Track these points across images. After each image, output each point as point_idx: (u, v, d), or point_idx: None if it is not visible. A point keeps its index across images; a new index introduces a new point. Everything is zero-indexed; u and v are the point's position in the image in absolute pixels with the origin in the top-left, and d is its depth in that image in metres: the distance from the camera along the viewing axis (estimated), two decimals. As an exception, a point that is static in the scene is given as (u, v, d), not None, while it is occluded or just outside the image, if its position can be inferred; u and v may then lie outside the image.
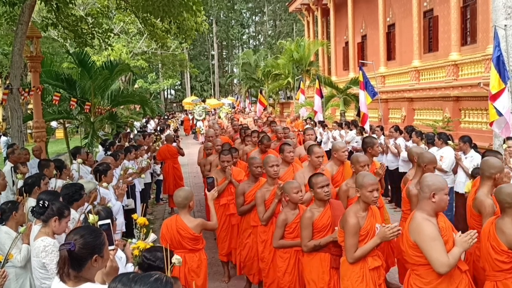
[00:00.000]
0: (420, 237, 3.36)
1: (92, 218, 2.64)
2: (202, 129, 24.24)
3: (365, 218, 3.94)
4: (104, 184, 6.01)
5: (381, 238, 3.83)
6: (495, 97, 7.67)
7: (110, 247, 2.67)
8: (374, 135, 11.07)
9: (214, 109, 33.09)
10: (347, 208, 4.50)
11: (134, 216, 3.61)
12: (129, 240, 3.55)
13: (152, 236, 3.33)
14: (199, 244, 4.62)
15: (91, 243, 2.59)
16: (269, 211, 5.06)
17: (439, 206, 3.44)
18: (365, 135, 11.54)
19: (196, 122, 29.35)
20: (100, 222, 2.69)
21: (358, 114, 12.23)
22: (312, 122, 15.96)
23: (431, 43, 17.33)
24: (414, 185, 4.87)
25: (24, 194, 5.05)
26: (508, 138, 7.19)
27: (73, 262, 2.54)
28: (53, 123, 19.04)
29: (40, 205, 3.87)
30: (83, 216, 4.34)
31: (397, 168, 9.60)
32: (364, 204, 3.97)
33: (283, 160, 6.09)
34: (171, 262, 2.80)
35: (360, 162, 5.13)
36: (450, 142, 8.04)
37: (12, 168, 7.01)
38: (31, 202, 4.80)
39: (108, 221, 2.73)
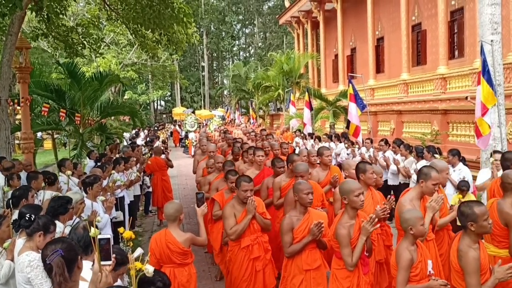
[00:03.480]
0: None
1: (93, 231, 2.63)
2: (194, 141, 23.86)
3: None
4: (101, 197, 6.00)
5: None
6: (485, 112, 7.68)
7: (108, 262, 2.66)
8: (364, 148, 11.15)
9: (206, 120, 32.91)
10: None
11: (121, 229, 3.56)
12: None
13: (139, 251, 3.27)
14: (188, 258, 4.58)
15: (72, 246, 2.74)
16: (357, 251, 4.04)
17: None
18: (356, 146, 11.59)
19: (187, 134, 28.79)
20: (99, 237, 2.68)
21: (347, 127, 12.27)
22: (302, 135, 16.01)
23: (419, 56, 17.53)
24: None
25: (10, 207, 4.99)
26: (495, 152, 7.26)
27: (66, 267, 2.64)
28: (38, 134, 18.88)
29: (27, 218, 3.83)
30: (68, 229, 4.31)
31: (386, 181, 9.64)
32: None
33: (363, 184, 4.95)
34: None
35: None
36: (436, 155, 8.10)
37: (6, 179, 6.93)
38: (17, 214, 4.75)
39: (108, 236, 2.71)
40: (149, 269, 2.97)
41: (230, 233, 5.00)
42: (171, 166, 11.49)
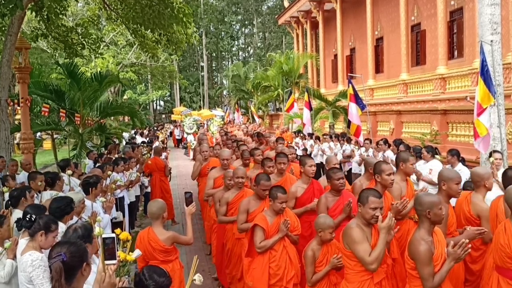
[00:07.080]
0: None
1: (98, 230, 2.63)
2: (193, 144, 23.32)
3: None
4: (102, 199, 6.00)
5: None
6: (481, 112, 7.68)
7: (112, 262, 2.66)
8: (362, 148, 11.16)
9: (206, 121, 32.60)
10: None
11: (117, 231, 3.55)
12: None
13: (137, 252, 3.27)
14: (171, 256, 4.67)
15: (79, 251, 2.66)
16: None
17: None
18: (356, 147, 11.61)
19: (186, 136, 28.09)
20: (104, 236, 2.68)
21: (348, 126, 12.29)
22: (301, 135, 16.02)
23: (418, 56, 17.55)
24: None
25: (10, 208, 5.00)
26: (495, 151, 7.27)
27: (66, 273, 2.57)
28: (37, 134, 18.86)
29: (27, 218, 3.84)
30: (65, 228, 4.31)
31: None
32: None
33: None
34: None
35: None
36: (437, 156, 8.11)
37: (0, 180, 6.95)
38: (18, 214, 4.75)
39: (113, 235, 2.72)
40: (200, 278, 3.00)
41: (371, 261, 3.71)
42: (167, 174, 11.12)
